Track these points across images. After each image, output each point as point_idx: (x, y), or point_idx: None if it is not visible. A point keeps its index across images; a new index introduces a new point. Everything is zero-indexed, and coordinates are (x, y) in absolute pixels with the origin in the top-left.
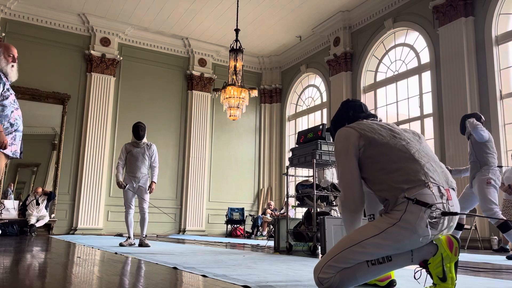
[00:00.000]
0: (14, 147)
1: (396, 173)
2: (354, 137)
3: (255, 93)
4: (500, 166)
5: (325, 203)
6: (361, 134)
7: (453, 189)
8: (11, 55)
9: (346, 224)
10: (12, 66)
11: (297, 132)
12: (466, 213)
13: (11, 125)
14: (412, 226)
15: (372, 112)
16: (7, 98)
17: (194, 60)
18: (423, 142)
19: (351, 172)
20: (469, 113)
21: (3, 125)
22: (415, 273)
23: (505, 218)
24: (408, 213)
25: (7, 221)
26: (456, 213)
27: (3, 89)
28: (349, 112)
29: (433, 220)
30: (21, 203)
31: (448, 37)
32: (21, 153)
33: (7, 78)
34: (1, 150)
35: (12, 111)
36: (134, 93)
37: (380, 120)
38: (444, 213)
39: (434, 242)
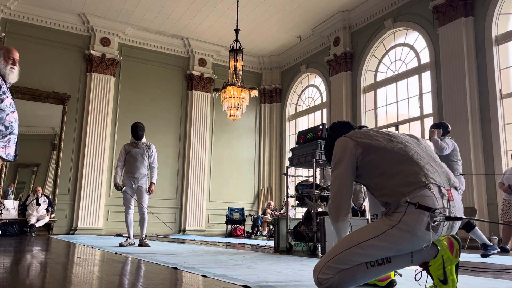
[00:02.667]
0: (8, 150)
1: (396, 177)
2: (350, 146)
3: (255, 93)
4: (462, 174)
5: (325, 203)
6: (358, 142)
7: (455, 188)
8: (11, 58)
9: (334, 230)
10: (12, 68)
11: (297, 132)
12: (472, 218)
13: (6, 128)
14: (411, 228)
15: (372, 112)
16: (2, 101)
17: (194, 60)
18: (422, 144)
19: (341, 180)
20: (439, 122)
21: None
22: (415, 275)
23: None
24: (408, 215)
25: (7, 221)
26: (460, 218)
27: None
28: (340, 131)
29: (435, 223)
30: (21, 203)
31: (448, 37)
32: (15, 156)
33: (5, 81)
34: None
35: (7, 114)
36: (134, 93)
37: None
38: (449, 218)
39: (434, 244)
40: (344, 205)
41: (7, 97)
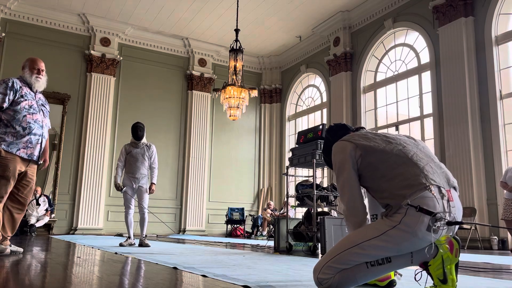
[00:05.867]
0: (30, 150)
1: (396, 179)
2: (349, 148)
3: (255, 93)
4: None
5: (325, 203)
6: (356, 144)
7: (454, 188)
8: (36, 68)
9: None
10: (37, 77)
11: (297, 132)
12: (472, 222)
13: (23, 128)
14: (412, 229)
15: (372, 112)
16: (18, 104)
17: (194, 60)
18: (420, 144)
19: (350, 185)
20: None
21: (15, 129)
22: (415, 275)
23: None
24: (409, 216)
25: None
26: (461, 223)
27: (16, 96)
28: (337, 133)
29: (436, 226)
30: None
31: (448, 37)
32: (39, 156)
33: (31, 88)
34: (15, 153)
35: (24, 115)
36: (134, 93)
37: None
38: (450, 223)
39: (434, 244)
40: (361, 210)
41: (25, 100)
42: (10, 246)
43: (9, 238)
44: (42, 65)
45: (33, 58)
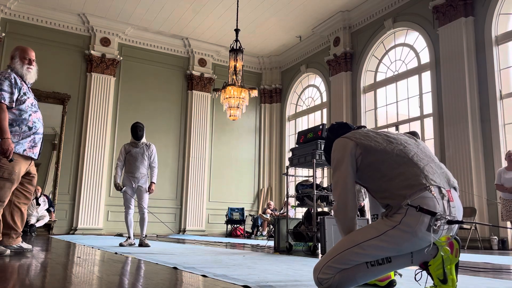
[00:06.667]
0: (35, 149)
1: (397, 179)
2: (350, 146)
3: (255, 93)
4: None
5: (325, 203)
6: (357, 143)
7: (454, 188)
8: (27, 58)
9: (340, 232)
10: (29, 68)
11: (297, 132)
12: (472, 222)
13: (29, 128)
14: (412, 229)
15: (372, 112)
16: (23, 103)
17: (194, 60)
18: (421, 144)
19: (344, 182)
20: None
21: (21, 129)
22: (415, 275)
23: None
24: (409, 216)
25: None
26: (461, 222)
27: (19, 94)
28: (339, 132)
29: (436, 226)
30: None
31: (448, 37)
32: (39, 154)
33: (24, 82)
34: (22, 153)
35: (30, 114)
36: (134, 93)
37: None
38: (450, 222)
39: (434, 244)
40: (350, 208)
41: (28, 98)
42: (22, 242)
43: (21, 234)
44: (33, 55)
45: (23, 47)
